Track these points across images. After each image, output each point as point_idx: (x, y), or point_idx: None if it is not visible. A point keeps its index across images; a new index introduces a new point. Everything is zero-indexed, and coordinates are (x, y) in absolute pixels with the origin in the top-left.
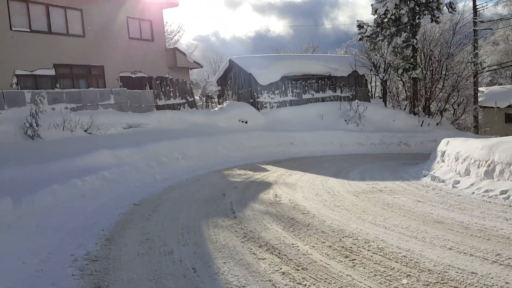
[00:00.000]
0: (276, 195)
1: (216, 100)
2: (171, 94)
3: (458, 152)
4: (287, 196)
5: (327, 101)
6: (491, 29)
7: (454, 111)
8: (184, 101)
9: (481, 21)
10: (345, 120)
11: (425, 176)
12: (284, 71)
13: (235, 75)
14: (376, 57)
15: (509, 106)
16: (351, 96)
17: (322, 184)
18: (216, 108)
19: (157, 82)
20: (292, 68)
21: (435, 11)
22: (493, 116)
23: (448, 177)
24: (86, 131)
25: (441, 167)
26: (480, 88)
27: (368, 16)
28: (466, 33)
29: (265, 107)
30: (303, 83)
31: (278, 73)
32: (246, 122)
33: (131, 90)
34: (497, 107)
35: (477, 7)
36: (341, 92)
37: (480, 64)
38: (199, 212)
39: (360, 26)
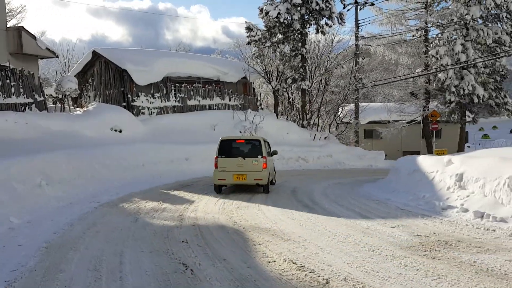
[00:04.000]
0: (290, 261)
1: (70, 102)
2: (13, 90)
3: (500, 176)
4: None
5: (215, 109)
6: (370, 45)
7: (337, 125)
8: (31, 100)
9: (362, 36)
10: (240, 132)
11: (445, 209)
12: (167, 71)
13: (100, 71)
14: (262, 64)
15: (368, 122)
16: (239, 105)
17: (330, 229)
18: (79, 112)
19: None
20: (176, 67)
21: (325, 19)
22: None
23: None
24: None
25: (467, 196)
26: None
27: (210, 34)
28: (347, 47)
29: (143, 113)
30: (188, 86)
31: (159, 72)
32: (121, 131)
33: None
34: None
35: (359, 22)
36: (230, 100)
37: (361, 79)
38: None
39: (249, 28)
